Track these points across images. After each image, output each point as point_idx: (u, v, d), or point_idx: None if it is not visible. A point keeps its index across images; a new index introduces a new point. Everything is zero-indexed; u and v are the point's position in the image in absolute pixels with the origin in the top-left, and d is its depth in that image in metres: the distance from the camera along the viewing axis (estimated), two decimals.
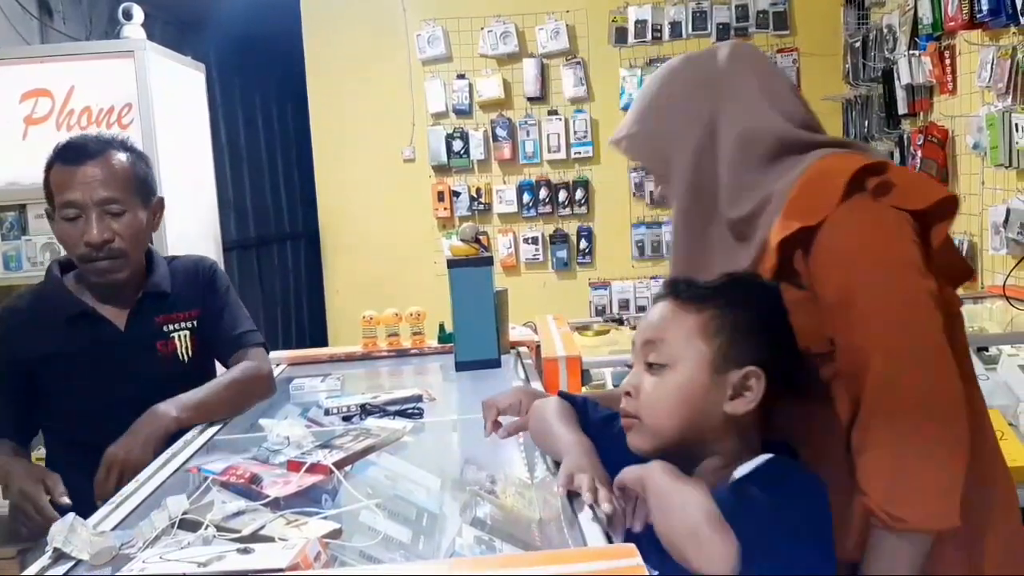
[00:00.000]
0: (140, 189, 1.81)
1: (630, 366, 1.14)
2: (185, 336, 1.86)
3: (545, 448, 1.31)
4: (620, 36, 4.52)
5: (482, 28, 4.51)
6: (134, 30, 3.05)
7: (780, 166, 1.18)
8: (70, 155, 1.77)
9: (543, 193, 4.57)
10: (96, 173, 1.75)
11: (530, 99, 4.57)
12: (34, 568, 1.12)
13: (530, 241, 4.60)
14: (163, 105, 2.96)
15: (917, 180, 1.22)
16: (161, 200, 1.89)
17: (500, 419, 1.49)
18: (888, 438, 1.05)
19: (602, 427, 1.23)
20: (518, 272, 4.60)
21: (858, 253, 1.10)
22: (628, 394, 1.09)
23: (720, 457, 1.08)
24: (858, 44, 4.23)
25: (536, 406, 1.36)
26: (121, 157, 1.80)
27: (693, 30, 4.50)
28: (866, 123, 4.18)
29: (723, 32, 4.48)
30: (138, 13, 3.06)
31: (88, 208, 1.74)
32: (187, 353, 1.86)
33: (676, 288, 1.12)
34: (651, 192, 4.49)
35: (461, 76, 4.53)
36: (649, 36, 4.49)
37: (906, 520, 1.04)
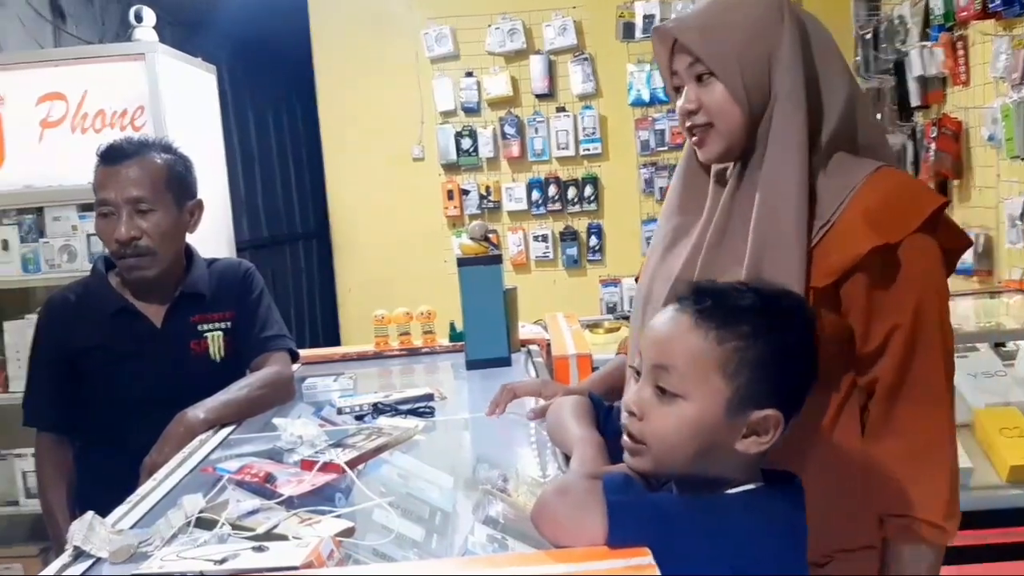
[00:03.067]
0: (173, 189, 1.87)
1: (636, 371, 1.03)
2: (219, 337, 1.91)
3: (556, 442, 1.32)
4: (628, 31, 4.51)
5: (489, 25, 4.51)
6: (145, 32, 3.07)
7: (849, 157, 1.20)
8: (108, 155, 1.86)
9: (552, 190, 4.58)
10: (128, 173, 1.83)
11: (538, 96, 4.57)
12: (55, 566, 1.14)
13: (540, 239, 4.61)
14: (175, 106, 2.98)
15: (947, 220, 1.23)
16: (199, 202, 1.95)
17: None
18: (942, 460, 1.16)
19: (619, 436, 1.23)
20: (528, 270, 4.61)
21: (931, 281, 1.16)
22: (632, 413, 1.00)
23: (719, 481, 1.01)
24: (869, 36, 4.21)
25: (556, 401, 1.36)
26: (156, 158, 1.87)
27: None
28: (879, 116, 4.16)
29: None
30: (149, 16, 3.08)
31: (119, 206, 1.82)
32: (219, 353, 1.92)
33: (699, 299, 1.00)
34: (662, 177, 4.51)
35: (469, 74, 4.54)
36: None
37: (952, 533, 1.15)
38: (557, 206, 4.58)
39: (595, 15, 4.51)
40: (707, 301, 0.99)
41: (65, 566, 1.14)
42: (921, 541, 1.15)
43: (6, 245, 2.93)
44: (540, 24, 4.52)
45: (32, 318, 2.88)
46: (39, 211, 2.95)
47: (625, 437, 1.01)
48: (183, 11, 4.59)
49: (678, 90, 1.24)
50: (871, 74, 4.20)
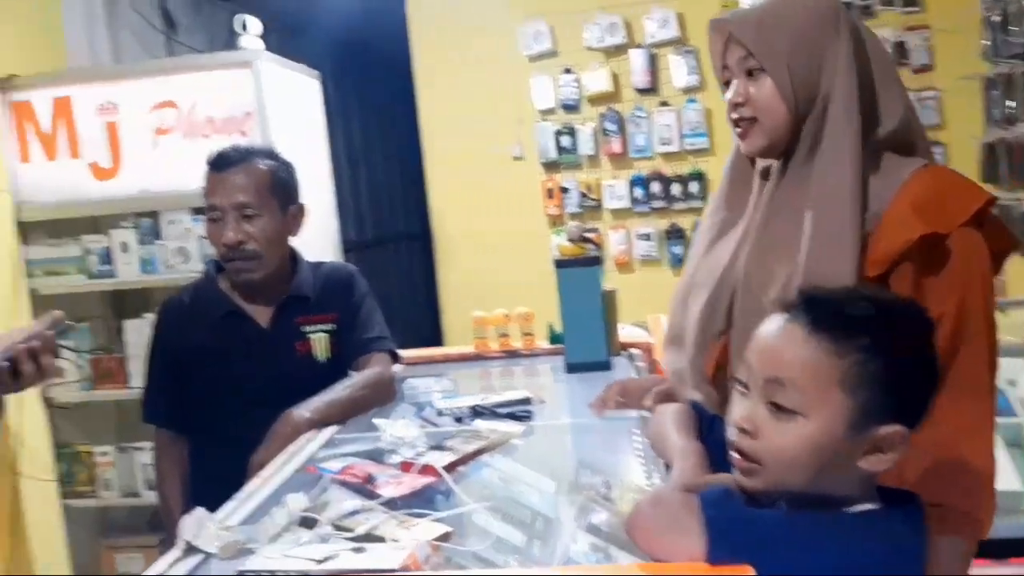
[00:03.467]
0: (278, 195, 1.93)
1: (743, 383, 0.99)
2: (323, 338, 1.96)
3: (657, 452, 1.29)
4: None
5: (588, 21, 4.47)
6: (251, 41, 3.15)
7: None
8: (216, 163, 1.93)
9: (655, 187, 4.50)
10: (235, 180, 1.89)
11: (639, 91, 4.49)
12: (166, 560, 1.18)
13: (644, 237, 4.53)
14: (280, 112, 3.05)
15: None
16: (301, 206, 2.01)
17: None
18: (981, 452, 1.15)
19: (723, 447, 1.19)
20: (632, 269, 4.54)
21: (977, 274, 1.16)
22: (744, 431, 0.95)
23: (833, 499, 0.97)
24: (997, 18, 3.96)
25: (658, 409, 1.34)
26: (261, 165, 1.93)
27: None
28: (1015, 103, 3.90)
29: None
30: (254, 24, 3.16)
31: (226, 211, 1.89)
32: (324, 354, 1.96)
33: (812, 309, 0.96)
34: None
35: (568, 71, 4.51)
36: None
37: (987, 526, 1.14)
38: (661, 203, 4.50)
39: (697, 6, 4.40)
40: (820, 311, 0.95)
41: (176, 560, 1.18)
42: (956, 532, 1.13)
43: (125, 247, 3.05)
44: (640, 17, 4.45)
45: (150, 317, 3.01)
46: (155, 215, 3.06)
47: (735, 455, 0.97)
48: (287, 17, 4.72)
49: (728, 84, 1.28)
50: (1000, 59, 3.95)
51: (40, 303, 3.01)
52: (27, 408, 2.78)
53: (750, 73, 1.24)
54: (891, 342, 0.93)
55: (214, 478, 1.68)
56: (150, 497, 3.07)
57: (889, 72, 1.25)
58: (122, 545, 3.20)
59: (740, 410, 0.97)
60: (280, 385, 1.85)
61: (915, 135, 1.25)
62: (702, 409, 1.27)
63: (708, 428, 1.23)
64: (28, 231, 3.08)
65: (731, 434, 0.98)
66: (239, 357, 1.92)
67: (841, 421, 0.92)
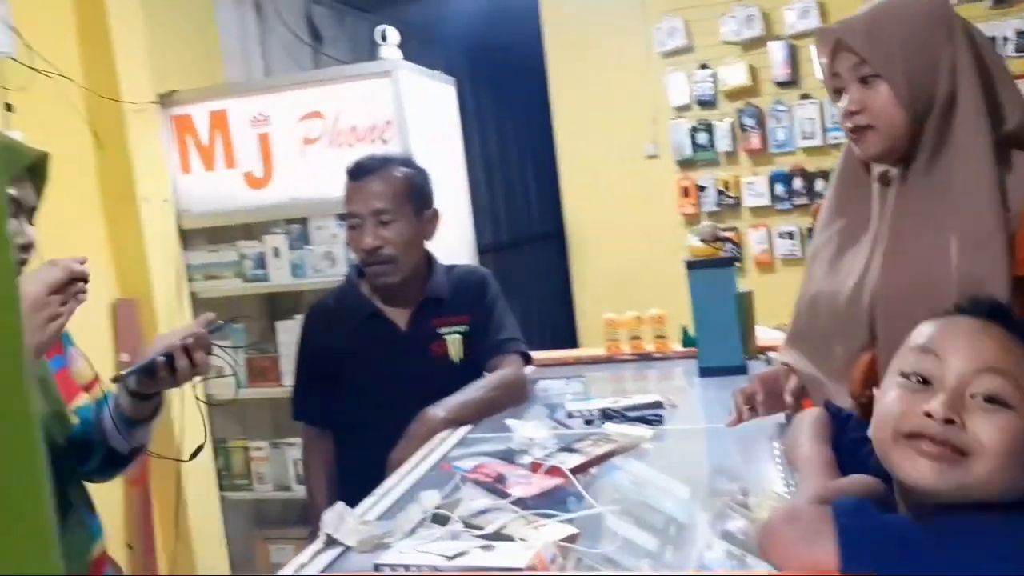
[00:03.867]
0: (413, 201, 2.00)
1: (922, 379, 0.95)
2: (457, 339, 2.01)
3: (788, 459, 1.26)
4: None
5: (724, 14, 4.37)
6: (390, 51, 3.24)
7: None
8: (354, 172, 2.02)
9: (798, 184, 4.34)
10: (372, 187, 1.97)
11: (779, 84, 4.35)
12: (308, 552, 1.25)
13: (786, 236, 4.39)
14: (418, 119, 3.13)
15: None
16: (436, 211, 2.07)
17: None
18: None
19: (852, 447, 1.15)
20: (773, 269, 4.41)
21: None
22: (951, 421, 0.90)
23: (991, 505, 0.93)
24: None
25: (797, 416, 1.31)
26: (396, 173, 2.00)
27: None
28: None
29: None
30: (393, 35, 3.26)
31: (364, 218, 1.96)
32: (458, 355, 2.01)
33: (1006, 316, 0.96)
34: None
35: (704, 66, 4.42)
36: None
37: None
38: (804, 200, 4.34)
39: None
40: (1012, 318, 0.96)
41: (318, 552, 1.24)
42: None
43: (277, 252, 3.21)
44: (779, 8, 4.31)
45: (300, 318, 3.17)
46: (304, 221, 3.20)
47: (930, 448, 0.91)
48: (425, 25, 4.85)
49: (838, 92, 1.29)
50: None
51: (199, 305, 3.20)
52: (187, 404, 2.97)
53: (864, 80, 1.25)
54: None
55: (355, 474, 1.76)
56: (301, 491, 3.18)
57: (1004, 69, 1.26)
58: (275, 536, 3.35)
59: (936, 402, 0.91)
60: (417, 385, 1.91)
61: None
62: (837, 411, 1.24)
63: (840, 428, 1.20)
64: (188, 238, 3.30)
65: (925, 425, 0.91)
66: (379, 358, 2.00)
67: None
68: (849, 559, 0.87)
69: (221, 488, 3.32)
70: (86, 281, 1.30)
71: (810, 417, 1.24)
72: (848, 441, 1.16)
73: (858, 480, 1.03)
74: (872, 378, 1.22)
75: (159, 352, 1.39)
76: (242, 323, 3.31)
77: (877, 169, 1.32)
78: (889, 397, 0.96)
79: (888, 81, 1.23)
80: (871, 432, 0.98)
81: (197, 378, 1.44)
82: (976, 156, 1.20)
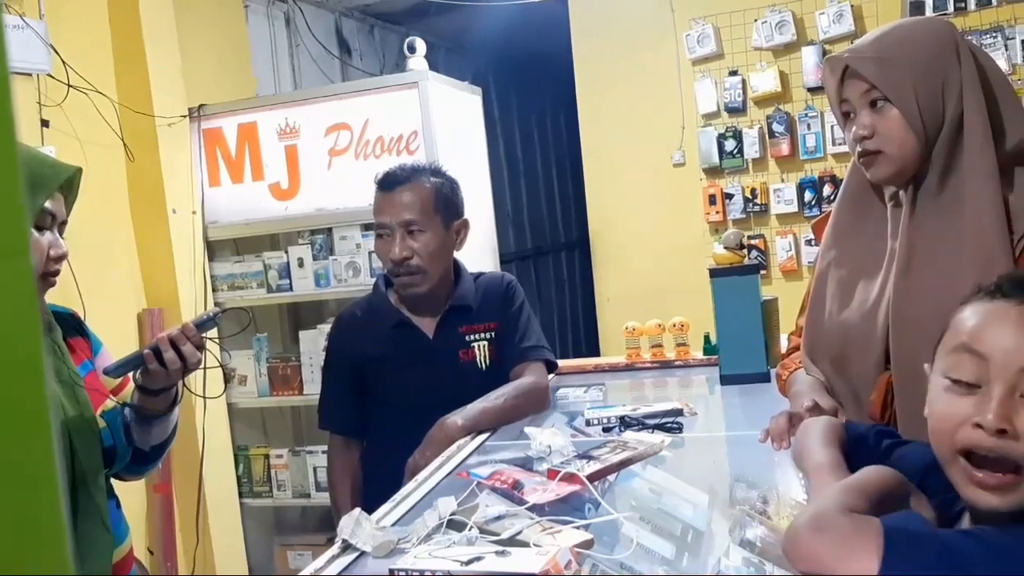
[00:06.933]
0: (442, 211, 2.00)
1: (970, 383, 0.90)
2: (484, 346, 2.02)
3: (797, 466, 1.25)
4: (915, 11, 4.12)
5: (756, 20, 4.34)
6: (418, 62, 3.27)
7: None
8: (384, 182, 2.03)
9: (827, 190, 4.31)
10: (402, 198, 1.98)
11: (810, 90, 4.31)
12: (325, 556, 1.26)
13: (813, 243, 4.35)
14: (444, 130, 3.15)
15: None
16: (465, 221, 2.08)
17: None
18: None
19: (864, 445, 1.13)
20: (800, 276, 4.36)
21: None
22: (1002, 432, 0.85)
23: None
24: None
25: (804, 423, 1.30)
26: (426, 183, 2.01)
27: None
28: None
29: None
30: (421, 46, 3.29)
31: (394, 229, 1.97)
32: (485, 362, 2.02)
33: None
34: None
35: (733, 72, 4.40)
36: (951, 7, 4.04)
37: None
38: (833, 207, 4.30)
39: None
40: None
41: (334, 557, 1.25)
42: None
43: (301, 263, 3.25)
44: (812, 13, 4.27)
45: (324, 328, 3.21)
46: (328, 231, 3.24)
47: (987, 475, 0.87)
48: (455, 35, 4.89)
49: (847, 116, 1.32)
50: None
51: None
52: (210, 411, 3.02)
53: (874, 104, 1.28)
54: None
55: (384, 480, 1.77)
56: (319, 498, 3.24)
57: (1008, 88, 1.29)
58: (294, 543, 3.39)
59: (982, 409, 0.87)
60: (445, 392, 1.92)
61: None
62: (853, 426, 1.23)
63: (856, 440, 1.18)
64: (215, 249, 3.35)
65: (978, 439, 0.87)
66: (407, 366, 2.00)
67: None
68: (892, 567, 0.84)
69: (241, 495, 3.36)
70: None
71: (818, 424, 1.23)
72: (863, 449, 1.14)
73: (873, 473, 1.00)
74: (890, 399, 1.21)
75: (148, 346, 1.44)
76: (266, 332, 3.35)
77: (888, 191, 1.34)
78: (938, 407, 0.92)
79: (898, 106, 1.26)
80: (932, 445, 0.94)
81: (193, 372, 1.48)
82: (983, 176, 1.23)
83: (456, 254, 2.10)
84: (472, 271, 2.14)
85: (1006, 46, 3.90)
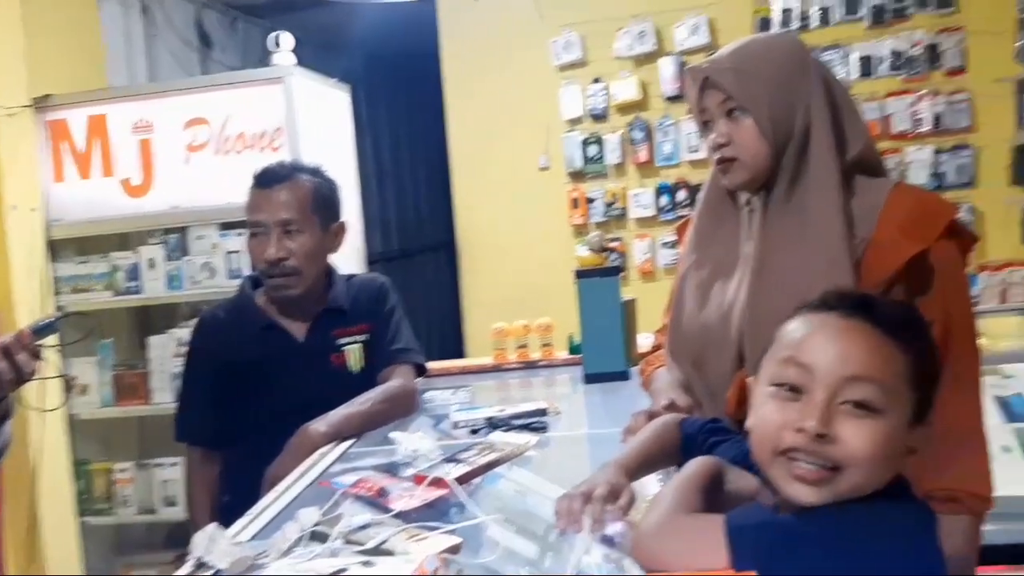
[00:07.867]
0: (320, 212, 1.94)
1: (792, 387, 0.94)
2: (357, 349, 1.98)
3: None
4: (764, 27, 4.34)
5: (619, 29, 4.46)
6: (284, 57, 3.18)
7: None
8: (262, 179, 1.95)
9: (681, 195, 4.48)
10: (279, 196, 1.91)
11: (669, 99, 4.47)
12: None
13: (668, 245, 4.51)
14: (310, 127, 3.08)
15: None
16: (343, 224, 2.02)
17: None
18: (979, 440, 1.31)
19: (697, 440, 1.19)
20: (655, 278, 4.51)
21: (959, 280, 1.34)
22: (822, 436, 0.90)
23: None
24: None
25: (647, 425, 1.34)
26: (306, 182, 1.94)
27: (846, 14, 4.27)
28: None
29: (877, 15, 4.20)
30: (287, 40, 3.20)
31: (269, 228, 1.90)
32: (357, 366, 1.97)
33: (869, 309, 0.95)
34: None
35: (597, 80, 4.51)
36: (795, 24, 4.29)
37: (991, 504, 1.28)
38: (687, 211, 4.46)
39: (729, 12, 4.37)
40: (881, 311, 0.95)
41: None
42: (967, 512, 1.27)
43: (152, 264, 3.10)
44: (670, 26, 4.43)
45: (176, 333, 3.07)
46: (183, 231, 3.11)
47: (805, 465, 0.91)
48: (322, 31, 4.78)
49: (706, 124, 1.40)
50: None
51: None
52: (48, 424, 2.84)
53: (730, 113, 1.35)
54: (926, 341, 0.97)
55: (247, 493, 1.69)
56: (167, 513, 3.09)
57: (850, 101, 1.39)
58: (138, 562, 3.21)
59: (804, 415, 0.91)
60: (316, 397, 1.86)
61: (877, 155, 1.40)
62: (693, 423, 1.27)
63: (690, 437, 1.23)
64: (57, 249, 3.14)
65: (799, 441, 0.91)
66: (276, 371, 1.93)
67: (905, 417, 0.92)
68: (741, 558, 0.88)
69: (82, 513, 3.16)
70: None
71: (651, 424, 1.28)
72: (688, 438, 1.21)
73: (698, 466, 1.06)
74: (745, 397, 1.26)
75: None
76: (112, 338, 3.16)
77: (743, 197, 1.41)
78: (762, 412, 0.96)
79: (753, 116, 1.33)
80: (752, 448, 0.98)
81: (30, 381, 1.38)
82: (827, 185, 1.32)
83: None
84: (344, 273, 2.09)
85: (846, 62, 4.16)
